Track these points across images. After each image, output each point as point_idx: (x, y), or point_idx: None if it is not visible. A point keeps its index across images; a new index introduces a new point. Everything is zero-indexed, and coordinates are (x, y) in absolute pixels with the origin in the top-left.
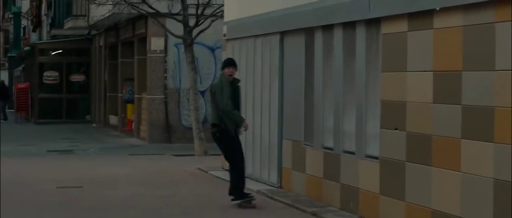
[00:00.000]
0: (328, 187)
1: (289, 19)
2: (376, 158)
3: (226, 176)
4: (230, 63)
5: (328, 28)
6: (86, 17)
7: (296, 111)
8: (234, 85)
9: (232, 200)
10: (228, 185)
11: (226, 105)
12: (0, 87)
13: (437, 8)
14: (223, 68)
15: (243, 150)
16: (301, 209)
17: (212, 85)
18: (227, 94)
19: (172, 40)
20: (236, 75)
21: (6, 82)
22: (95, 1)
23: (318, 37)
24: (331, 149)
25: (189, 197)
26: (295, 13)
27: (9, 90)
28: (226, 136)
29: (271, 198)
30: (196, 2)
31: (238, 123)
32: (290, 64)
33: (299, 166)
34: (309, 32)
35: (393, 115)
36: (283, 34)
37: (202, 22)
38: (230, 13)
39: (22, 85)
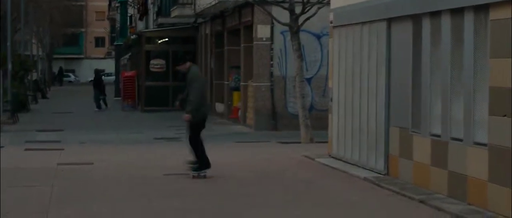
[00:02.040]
0: (436, 174)
1: (396, 6)
2: (485, 145)
3: (333, 163)
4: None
5: (435, 14)
6: (193, 6)
7: (403, 98)
8: (185, 76)
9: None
10: (334, 172)
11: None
12: (95, 77)
13: None
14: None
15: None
16: (408, 196)
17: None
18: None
19: (278, 27)
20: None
21: (113, 70)
22: None
23: (426, 23)
24: (438, 136)
25: (296, 184)
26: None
27: (102, 80)
28: None
29: (378, 185)
30: None
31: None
32: (397, 51)
33: (406, 153)
34: (416, 19)
35: (502, 101)
36: (390, 21)
37: (309, 9)
38: (337, 0)
39: (128, 74)
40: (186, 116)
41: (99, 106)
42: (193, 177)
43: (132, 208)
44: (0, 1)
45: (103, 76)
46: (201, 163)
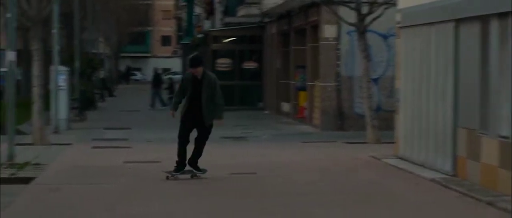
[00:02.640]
0: (503, 176)
1: (464, 6)
2: None
3: (400, 163)
4: (192, 63)
5: (504, 15)
6: (259, 5)
7: (471, 99)
8: (200, 80)
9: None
10: (401, 173)
11: (174, 94)
12: (154, 75)
13: None
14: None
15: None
16: (476, 198)
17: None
18: (180, 86)
19: (345, 27)
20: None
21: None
22: None
23: (494, 24)
24: (506, 137)
25: (363, 185)
26: (470, 0)
27: (160, 79)
28: None
29: (446, 186)
30: None
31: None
32: (465, 52)
33: (474, 155)
34: (484, 19)
35: None
36: (458, 22)
37: (375, 9)
38: (404, 0)
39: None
40: (222, 121)
41: (153, 105)
42: (168, 178)
43: (198, 207)
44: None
45: (161, 75)
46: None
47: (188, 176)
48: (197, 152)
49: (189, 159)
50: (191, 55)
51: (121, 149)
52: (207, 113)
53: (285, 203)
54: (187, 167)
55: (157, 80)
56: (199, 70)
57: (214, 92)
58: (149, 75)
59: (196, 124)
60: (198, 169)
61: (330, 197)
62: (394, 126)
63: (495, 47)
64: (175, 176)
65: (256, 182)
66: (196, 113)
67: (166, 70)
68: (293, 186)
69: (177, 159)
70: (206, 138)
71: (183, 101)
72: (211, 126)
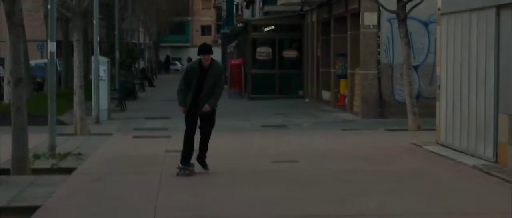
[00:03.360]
0: None
1: None
2: None
3: (441, 150)
4: (203, 50)
5: None
6: None
7: None
8: (206, 70)
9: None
10: (443, 160)
11: (179, 84)
12: (165, 61)
13: None
14: (198, 54)
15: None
16: None
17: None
18: (183, 77)
19: (385, 15)
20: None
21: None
22: None
23: None
24: None
25: (404, 172)
26: None
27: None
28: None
29: (487, 173)
30: None
31: (178, 103)
32: (506, 38)
33: None
34: None
35: None
36: (499, 8)
37: None
38: None
39: (235, 61)
40: (207, 106)
41: None
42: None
43: (239, 195)
44: None
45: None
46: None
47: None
48: (204, 146)
49: (198, 155)
50: (202, 44)
51: (161, 139)
52: (203, 101)
53: (327, 190)
54: (189, 166)
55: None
56: (209, 57)
57: (217, 82)
58: None
59: (200, 114)
60: (206, 166)
61: (372, 185)
62: (435, 113)
63: None
64: (185, 169)
65: (298, 170)
66: (202, 99)
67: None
68: (335, 173)
69: (182, 155)
70: (211, 129)
71: (188, 93)
72: (214, 114)
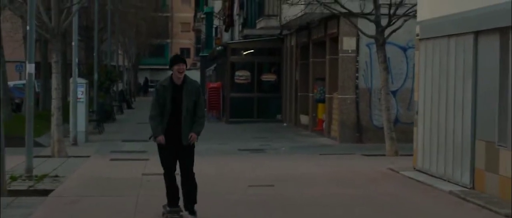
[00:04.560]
0: None
1: (483, 18)
2: None
3: (418, 176)
4: (177, 59)
5: None
6: (278, 17)
7: (490, 112)
8: (180, 87)
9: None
10: (419, 185)
11: (149, 113)
12: (144, 84)
13: None
14: (171, 66)
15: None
16: (494, 211)
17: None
18: (155, 99)
19: (364, 39)
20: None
21: (198, 81)
22: (288, 1)
23: None
24: None
25: (381, 197)
26: (490, 12)
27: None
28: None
29: (464, 199)
30: (388, 2)
31: (153, 133)
32: (484, 64)
33: (492, 167)
34: (504, 31)
35: None
36: (477, 34)
37: (394, 22)
38: (423, 12)
39: (214, 85)
40: (194, 135)
41: None
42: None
43: None
44: (87, 12)
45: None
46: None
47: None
48: (192, 186)
49: (185, 202)
50: (174, 54)
51: (139, 161)
52: (186, 129)
53: (303, 215)
54: (177, 208)
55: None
56: (183, 68)
57: (197, 102)
58: None
59: (178, 146)
60: (194, 213)
61: (348, 209)
62: (412, 139)
63: None
64: (172, 212)
65: (275, 195)
66: (178, 131)
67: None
68: (311, 198)
69: (167, 197)
70: (192, 165)
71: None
72: (194, 147)
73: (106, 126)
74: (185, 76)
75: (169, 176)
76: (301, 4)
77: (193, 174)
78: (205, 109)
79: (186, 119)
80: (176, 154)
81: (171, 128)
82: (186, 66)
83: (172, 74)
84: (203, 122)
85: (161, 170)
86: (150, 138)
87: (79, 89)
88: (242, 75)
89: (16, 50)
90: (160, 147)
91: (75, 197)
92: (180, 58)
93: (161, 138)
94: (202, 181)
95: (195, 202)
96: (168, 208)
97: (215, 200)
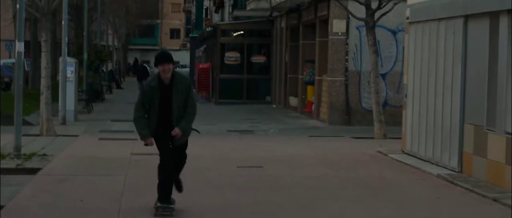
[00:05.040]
0: (510, 173)
1: (473, 2)
2: None
3: (406, 159)
4: (162, 58)
5: None
6: None
7: (479, 95)
8: (169, 86)
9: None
10: (408, 168)
11: (134, 113)
12: (140, 68)
13: None
14: (156, 64)
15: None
16: (481, 195)
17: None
18: (140, 99)
19: (354, 22)
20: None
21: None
22: None
23: (503, 21)
24: None
25: (369, 180)
26: None
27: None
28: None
29: (452, 182)
30: None
31: (140, 136)
32: (474, 48)
33: (480, 151)
34: (493, 15)
35: None
36: (467, 17)
37: (385, 4)
38: None
39: (203, 66)
40: (177, 130)
41: None
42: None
43: (205, 199)
44: None
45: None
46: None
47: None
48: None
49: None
50: (159, 51)
51: (127, 141)
52: (176, 127)
53: (292, 196)
54: (170, 204)
55: (143, 74)
56: (169, 68)
57: (188, 100)
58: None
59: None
60: (181, 188)
61: (336, 192)
62: (401, 122)
63: (504, 43)
64: (164, 208)
65: (263, 176)
66: (167, 129)
67: (175, 63)
68: (300, 180)
69: (159, 191)
70: (183, 165)
71: (149, 123)
72: (186, 146)
73: (95, 105)
74: (173, 72)
75: (164, 163)
76: None
77: (180, 170)
78: (195, 104)
79: (177, 119)
80: (169, 142)
81: (162, 127)
82: (173, 64)
83: (158, 73)
84: (192, 118)
85: (148, 150)
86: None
87: (69, 68)
88: (232, 57)
89: (6, 29)
90: (155, 138)
91: (63, 176)
92: (165, 58)
93: (150, 141)
94: (190, 161)
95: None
96: (159, 204)
97: (203, 181)
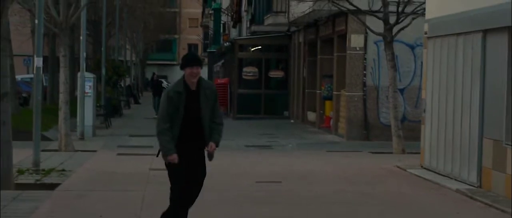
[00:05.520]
0: None
1: (492, 17)
2: None
3: (425, 174)
4: (192, 60)
5: None
6: (286, 14)
7: (498, 110)
8: (196, 93)
9: None
10: (426, 183)
11: (157, 124)
12: (155, 83)
13: None
14: (183, 67)
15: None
16: (501, 209)
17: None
18: (165, 109)
19: (372, 37)
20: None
21: (206, 77)
22: None
23: None
24: None
25: (388, 195)
26: (498, 11)
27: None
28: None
29: (471, 197)
30: (397, 0)
31: (163, 153)
32: (492, 62)
33: (499, 166)
34: None
35: None
36: (485, 32)
37: (403, 19)
38: (432, 10)
39: (221, 81)
40: (213, 145)
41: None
42: None
43: (223, 214)
44: (95, 6)
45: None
46: None
47: None
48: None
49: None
50: (188, 53)
51: (146, 157)
52: (210, 141)
53: (311, 211)
54: None
55: (158, 88)
56: (198, 72)
57: (215, 108)
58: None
59: (192, 161)
60: None
61: (356, 207)
62: (419, 136)
63: None
64: None
65: (282, 191)
66: (193, 143)
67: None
68: (319, 195)
69: None
70: (203, 180)
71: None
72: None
73: (113, 120)
74: (200, 78)
75: (179, 203)
76: (309, 1)
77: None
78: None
79: (209, 127)
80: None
81: (187, 139)
82: (201, 68)
83: (184, 77)
84: (222, 129)
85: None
86: (157, 155)
87: (87, 83)
88: (249, 72)
89: (24, 44)
90: (171, 165)
91: (82, 191)
92: (195, 60)
93: (175, 157)
94: (208, 176)
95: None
96: None
97: (221, 196)
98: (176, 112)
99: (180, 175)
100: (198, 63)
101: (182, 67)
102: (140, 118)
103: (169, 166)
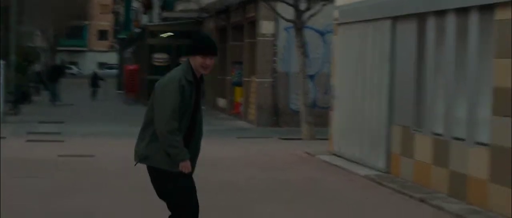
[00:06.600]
0: (437, 174)
1: (401, 4)
2: (486, 145)
3: (334, 160)
4: (213, 48)
5: (440, 14)
6: (197, 0)
7: (406, 97)
8: (198, 85)
9: None
10: (335, 169)
11: (165, 122)
12: (55, 68)
13: None
14: (194, 52)
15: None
16: (408, 195)
17: (159, 82)
18: (176, 101)
19: (282, 24)
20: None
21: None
22: None
23: (430, 23)
24: (440, 135)
25: (297, 181)
26: None
27: (63, 71)
28: (160, 176)
29: (379, 183)
30: None
31: (174, 159)
32: (401, 50)
33: (407, 152)
34: (421, 17)
35: (505, 101)
36: (394, 19)
37: (313, 6)
38: None
39: (131, 67)
40: (185, 164)
41: (54, 100)
42: None
43: (132, 201)
44: None
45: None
46: None
47: None
48: None
49: None
50: (205, 37)
51: (55, 143)
52: (199, 144)
53: (223, 198)
54: None
55: (56, 73)
56: (213, 64)
57: (200, 105)
58: (85, 69)
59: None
60: None
61: (265, 193)
62: (329, 123)
63: (431, 45)
64: None
65: (194, 178)
66: (195, 144)
67: (103, 65)
68: (229, 181)
69: None
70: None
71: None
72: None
73: (22, 107)
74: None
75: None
76: None
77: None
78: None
79: (201, 127)
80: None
81: (190, 139)
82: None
83: (190, 65)
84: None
85: (76, 152)
86: (136, 163)
87: None
88: (160, 58)
89: None
90: (181, 176)
91: None
92: (216, 48)
93: (189, 165)
94: (117, 162)
95: None
96: None
97: (130, 182)
98: (184, 107)
99: (192, 192)
100: (216, 53)
101: (193, 53)
102: (50, 104)
103: (176, 181)
